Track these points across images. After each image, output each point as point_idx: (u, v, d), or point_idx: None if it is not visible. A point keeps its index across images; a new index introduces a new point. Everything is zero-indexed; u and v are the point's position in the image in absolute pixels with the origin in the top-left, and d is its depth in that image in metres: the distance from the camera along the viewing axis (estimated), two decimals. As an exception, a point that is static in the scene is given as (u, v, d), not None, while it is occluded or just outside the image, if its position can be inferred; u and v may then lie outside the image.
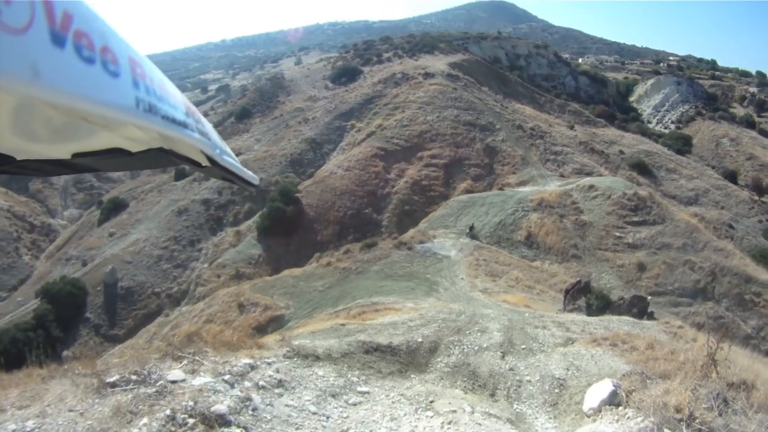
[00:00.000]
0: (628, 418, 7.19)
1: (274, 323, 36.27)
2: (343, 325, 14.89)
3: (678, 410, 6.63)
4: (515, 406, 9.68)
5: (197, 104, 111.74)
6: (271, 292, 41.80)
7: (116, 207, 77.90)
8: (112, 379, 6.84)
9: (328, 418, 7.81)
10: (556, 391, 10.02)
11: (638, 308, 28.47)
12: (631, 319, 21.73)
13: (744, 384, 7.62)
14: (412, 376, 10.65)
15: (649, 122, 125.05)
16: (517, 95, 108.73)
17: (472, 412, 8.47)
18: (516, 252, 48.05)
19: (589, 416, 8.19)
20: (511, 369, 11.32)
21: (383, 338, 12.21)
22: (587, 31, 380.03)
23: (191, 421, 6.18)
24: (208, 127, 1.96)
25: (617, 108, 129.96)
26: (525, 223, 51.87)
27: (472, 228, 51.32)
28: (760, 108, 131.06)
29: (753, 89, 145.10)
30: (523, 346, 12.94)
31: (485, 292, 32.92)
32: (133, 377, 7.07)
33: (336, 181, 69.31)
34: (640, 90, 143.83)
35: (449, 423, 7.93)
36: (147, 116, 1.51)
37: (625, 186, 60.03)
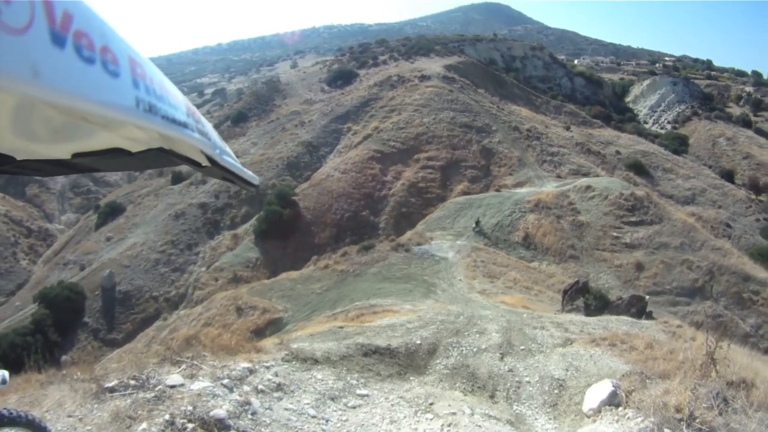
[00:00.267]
0: (628, 418, 7.18)
1: (272, 326, 36.25)
2: (342, 327, 14.87)
3: (678, 410, 6.62)
4: (515, 407, 9.66)
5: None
6: (268, 296, 41.81)
7: (113, 211, 77.87)
8: (110, 384, 6.82)
9: (327, 421, 7.79)
10: (556, 391, 10.00)
11: (637, 308, 28.47)
12: (630, 318, 21.71)
13: (743, 382, 7.62)
14: (411, 378, 10.63)
15: (645, 123, 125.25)
16: (513, 97, 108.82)
17: (472, 414, 8.46)
18: (514, 253, 48.07)
19: (588, 417, 8.18)
20: (510, 370, 11.29)
21: (382, 341, 12.19)
22: (583, 32, 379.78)
23: (190, 426, 6.16)
24: (208, 127, 1.95)
25: (613, 109, 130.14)
26: (522, 224, 51.89)
27: (478, 222, 51.55)
28: (756, 107, 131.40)
29: (749, 89, 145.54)
30: (522, 347, 12.92)
31: (483, 294, 32.90)
32: (132, 382, 7.05)
33: (333, 184, 69.32)
34: (636, 91, 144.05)
35: (449, 425, 7.92)
36: (147, 116, 1.50)
37: (622, 186, 60.11)
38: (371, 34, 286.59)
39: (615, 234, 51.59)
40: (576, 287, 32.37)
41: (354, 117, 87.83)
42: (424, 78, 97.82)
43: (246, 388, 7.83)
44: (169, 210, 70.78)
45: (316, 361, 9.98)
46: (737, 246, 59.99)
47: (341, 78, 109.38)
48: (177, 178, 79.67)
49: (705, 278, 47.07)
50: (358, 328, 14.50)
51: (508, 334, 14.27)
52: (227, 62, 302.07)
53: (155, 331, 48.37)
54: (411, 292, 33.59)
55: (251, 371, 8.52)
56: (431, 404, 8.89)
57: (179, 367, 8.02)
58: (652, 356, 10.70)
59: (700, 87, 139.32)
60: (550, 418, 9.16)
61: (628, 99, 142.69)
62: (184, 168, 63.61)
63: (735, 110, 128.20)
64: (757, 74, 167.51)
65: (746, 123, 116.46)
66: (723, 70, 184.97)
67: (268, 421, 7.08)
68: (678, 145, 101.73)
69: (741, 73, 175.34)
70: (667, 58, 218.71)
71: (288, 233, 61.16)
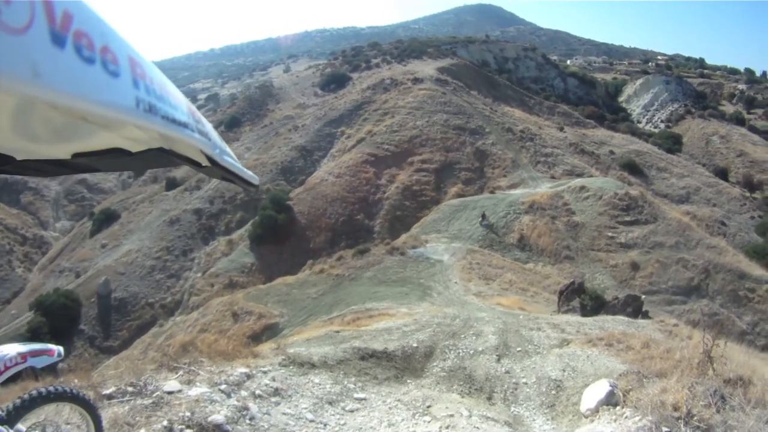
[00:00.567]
0: (626, 417, 7.18)
1: (269, 331, 36.19)
2: (338, 332, 14.84)
3: (675, 408, 6.63)
4: (512, 408, 9.66)
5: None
6: (264, 301, 41.77)
7: (108, 218, 77.85)
8: (108, 391, 6.81)
9: (325, 425, 7.78)
10: (553, 392, 9.99)
11: (633, 307, 28.45)
12: (626, 318, 21.73)
13: (741, 380, 7.63)
14: (409, 381, 10.62)
15: (638, 122, 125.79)
16: (506, 98, 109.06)
17: (470, 416, 8.45)
18: (509, 255, 48.08)
19: (586, 417, 8.18)
20: (507, 372, 11.29)
21: (378, 344, 12.18)
22: (575, 32, 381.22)
23: (189, 431, 6.16)
24: (209, 127, 1.95)
25: (606, 109, 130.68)
26: (517, 226, 51.94)
27: (484, 216, 51.73)
28: (749, 105, 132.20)
29: (742, 86, 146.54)
30: (519, 349, 12.92)
31: (479, 296, 32.91)
32: (130, 389, 7.03)
33: (327, 188, 69.34)
34: (629, 90, 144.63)
35: (447, 427, 7.91)
36: (147, 116, 1.50)
37: (616, 186, 60.22)
38: (363, 37, 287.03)
39: (610, 234, 51.68)
40: (572, 288, 32.37)
41: (347, 121, 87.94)
42: (417, 81, 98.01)
43: (243, 393, 7.82)
44: (164, 216, 70.76)
45: (313, 366, 9.96)
46: (732, 244, 60.17)
47: (334, 82, 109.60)
48: (171, 184, 79.66)
49: (701, 277, 47.17)
50: (354, 332, 14.47)
51: (504, 335, 14.27)
52: (220, 67, 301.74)
53: (151, 338, 48.34)
54: (407, 296, 33.63)
55: (248, 376, 8.51)
56: (429, 407, 8.88)
57: (176, 373, 8.00)
58: (649, 355, 10.71)
59: (693, 85, 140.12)
60: (547, 419, 9.15)
61: (621, 98, 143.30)
62: (178, 174, 63.36)
63: (728, 108, 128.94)
64: (749, 72, 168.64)
65: (739, 121, 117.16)
66: (716, 68, 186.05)
67: (266, 426, 7.06)
68: (672, 143, 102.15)
69: (734, 71, 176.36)
70: (659, 57, 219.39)
71: (283, 238, 61.14)
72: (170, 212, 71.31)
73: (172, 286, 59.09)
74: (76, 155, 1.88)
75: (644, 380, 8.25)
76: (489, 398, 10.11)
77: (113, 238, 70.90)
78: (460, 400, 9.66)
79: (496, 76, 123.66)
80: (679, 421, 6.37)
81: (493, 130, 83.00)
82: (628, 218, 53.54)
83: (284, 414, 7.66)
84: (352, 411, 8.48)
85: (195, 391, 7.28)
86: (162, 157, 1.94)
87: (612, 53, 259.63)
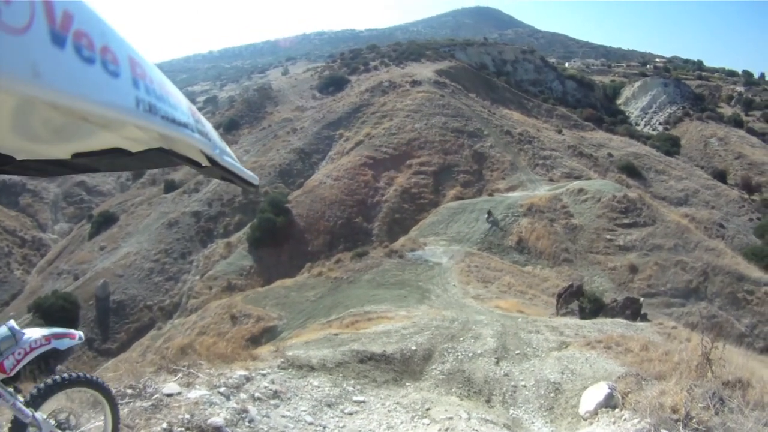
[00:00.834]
0: (625, 419, 7.19)
1: (268, 334, 36.18)
2: (337, 334, 14.86)
3: (674, 410, 6.64)
4: (511, 411, 9.67)
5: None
6: (263, 303, 41.73)
7: (106, 220, 77.70)
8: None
9: (324, 428, 7.79)
10: (552, 395, 10.01)
11: (631, 310, 28.45)
12: (625, 321, 21.72)
13: (739, 382, 7.64)
14: (407, 384, 10.63)
15: (637, 124, 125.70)
16: (504, 101, 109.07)
17: (469, 419, 8.45)
18: (507, 257, 48.09)
19: (585, 419, 8.19)
20: (506, 374, 11.31)
21: (377, 347, 12.19)
22: (573, 35, 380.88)
23: (188, 433, 6.16)
24: (209, 128, 1.95)
25: (605, 111, 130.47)
26: (515, 229, 51.95)
27: (490, 213, 51.92)
28: (748, 107, 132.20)
29: (740, 88, 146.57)
30: (517, 352, 12.94)
31: (478, 299, 32.90)
32: (129, 391, 7.02)
33: (325, 191, 69.27)
34: (627, 92, 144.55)
35: (446, 430, 7.92)
36: (147, 116, 1.50)
37: (614, 188, 60.26)
38: (362, 39, 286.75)
39: (608, 236, 51.70)
40: (570, 290, 32.36)
41: (346, 123, 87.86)
42: (415, 83, 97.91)
43: (243, 395, 7.82)
44: (163, 219, 70.68)
45: (312, 368, 9.97)
46: (731, 246, 60.17)
47: (333, 84, 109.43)
48: (170, 187, 79.61)
49: (699, 279, 47.19)
50: (353, 335, 14.48)
51: (503, 338, 14.30)
52: (218, 70, 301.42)
53: (150, 341, 48.24)
54: (405, 298, 33.62)
55: (248, 379, 8.51)
56: (428, 409, 8.88)
57: (176, 375, 8.00)
58: (648, 358, 10.74)
59: (691, 88, 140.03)
60: (546, 422, 9.17)
61: (619, 101, 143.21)
62: (177, 176, 63.30)
63: (726, 110, 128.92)
64: (747, 74, 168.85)
65: (738, 123, 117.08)
66: (714, 70, 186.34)
67: (266, 429, 7.06)
68: (670, 146, 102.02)
69: (732, 73, 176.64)
70: (657, 60, 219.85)
71: (281, 241, 61.09)
72: (169, 215, 71.24)
73: (171, 288, 59.03)
74: (76, 155, 1.89)
75: (643, 383, 8.26)
76: (488, 401, 10.13)
77: (112, 241, 70.83)
78: (459, 402, 9.67)
79: (495, 79, 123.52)
80: (678, 423, 6.38)
81: (492, 133, 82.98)
82: (626, 221, 53.57)
83: (283, 416, 7.66)
84: (351, 414, 8.49)
85: (194, 394, 7.27)
86: (162, 157, 1.94)
87: (610, 55, 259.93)
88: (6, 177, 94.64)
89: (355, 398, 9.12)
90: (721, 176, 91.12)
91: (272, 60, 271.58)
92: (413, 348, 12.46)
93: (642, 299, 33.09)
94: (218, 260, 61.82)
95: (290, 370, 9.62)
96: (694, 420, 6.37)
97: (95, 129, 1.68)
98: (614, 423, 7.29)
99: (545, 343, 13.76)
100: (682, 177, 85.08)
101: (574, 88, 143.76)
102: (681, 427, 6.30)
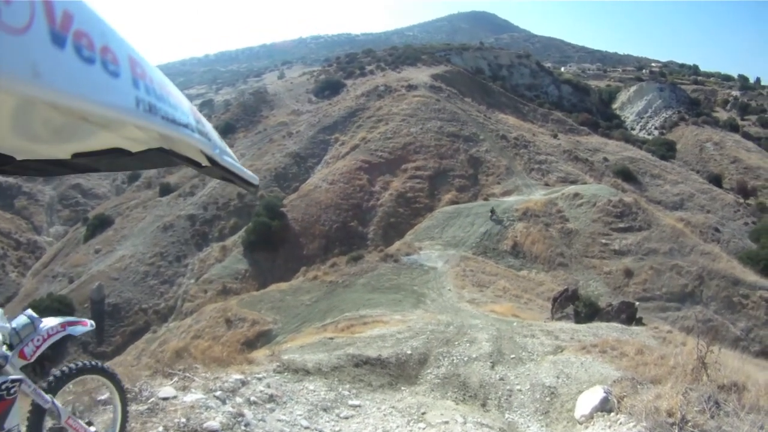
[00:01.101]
0: (621, 423, 7.19)
1: (263, 338, 36.17)
2: (332, 338, 14.85)
3: (670, 414, 6.63)
4: (507, 415, 9.67)
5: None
6: (258, 307, 41.71)
7: (102, 223, 77.55)
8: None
9: None
10: (547, 399, 10.00)
11: (627, 314, 28.51)
12: (620, 325, 21.75)
13: (735, 386, 7.64)
14: (403, 388, 10.61)
15: (632, 129, 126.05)
16: (500, 105, 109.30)
17: (464, 423, 8.44)
18: (502, 262, 48.13)
19: (581, 423, 8.18)
20: (501, 378, 11.31)
21: (372, 351, 12.18)
22: (569, 39, 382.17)
23: (184, 437, 6.14)
24: (209, 128, 1.95)
25: (600, 116, 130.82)
26: (511, 233, 52.01)
27: (493, 211, 52.18)
28: (743, 111, 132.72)
29: (735, 93, 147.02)
30: (513, 356, 12.94)
31: (473, 303, 32.92)
32: (124, 394, 7.00)
33: (321, 195, 69.25)
34: (622, 97, 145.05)
35: (442, 433, 7.91)
36: (147, 116, 1.50)
37: (610, 193, 60.39)
38: (358, 44, 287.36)
39: (604, 241, 51.79)
40: (565, 295, 32.41)
41: (341, 127, 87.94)
42: (411, 87, 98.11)
43: (238, 399, 7.79)
44: (158, 222, 70.61)
45: (307, 372, 9.95)
46: (726, 250, 60.27)
47: (328, 88, 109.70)
48: (165, 190, 79.59)
49: (695, 283, 47.31)
50: (348, 339, 14.48)
51: (498, 342, 14.30)
52: (214, 73, 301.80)
53: (145, 344, 48.21)
54: (400, 303, 33.60)
55: (243, 383, 8.48)
56: (423, 414, 8.87)
57: (171, 379, 7.97)
58: (643, 362, 10.74)
59: (687, 92, 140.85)
60: (542, 426, 9.16)
61: (615, 105, 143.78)
62: (172, 179, 63.29)
63: (722, 115, 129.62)
64: (743, 78, 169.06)
65: (733, 127, 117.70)
66: (709, 74, 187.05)
67: (261, 432, 7.04)
68: (665, 150, 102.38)
69: (727, 78, 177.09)
70: (653, 64, 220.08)
71: (277, 245, 61.06)
72: (164, 218, 71.18)
73: (166, 292, 58.94)
74: (76, 155, 1.89)
75: (638, 386, 8.25)
76: (483, 405, 10.12)
77: (107, 244, 70.71)
78: (455, 406, 9.66)
79: (490, 83, 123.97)
80: (674, 427, 6.37)
81: (487, 137, 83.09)
82: (621, 225, 53.69)
83: (279, 420, 7.64)
84: (346, 418, 8.46)
85: (190, 398, 7.25)
86: (162, 157, 1.94)
87: (606, 60, 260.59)
88: (1, 179, 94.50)
89: (350, 402, 9.09)
90: (716, 180, 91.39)
91: (268, 64, 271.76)
92: (408, 352, 12.45)
93: (637, 303, 33.20)
94: (213, 264, 61.75)
95: (286, 374, 9.60)
96: (689, 424, 6.36)
97: (95, 129, 1.68)
98: (610, 427, 7.29)
99: (540, 348, 13.76)
100: (678, 181, 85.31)
101: (570, 92, 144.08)
102: (677, 431, 6.30)
